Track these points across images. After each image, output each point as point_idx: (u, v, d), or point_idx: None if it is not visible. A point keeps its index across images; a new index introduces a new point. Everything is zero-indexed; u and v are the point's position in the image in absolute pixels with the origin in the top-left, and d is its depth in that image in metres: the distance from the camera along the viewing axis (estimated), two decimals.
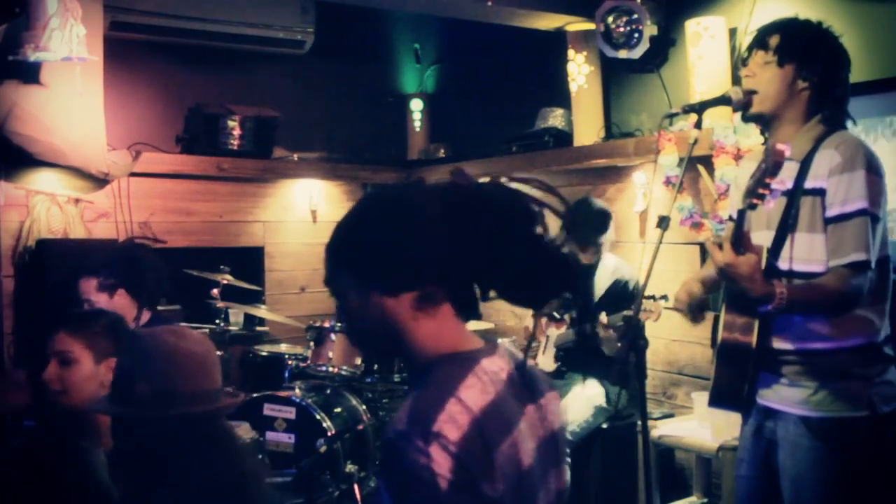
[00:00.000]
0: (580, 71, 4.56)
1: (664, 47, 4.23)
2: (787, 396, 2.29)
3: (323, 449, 3.69)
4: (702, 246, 3.90)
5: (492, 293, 1.37)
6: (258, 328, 4.90)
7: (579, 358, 4.11)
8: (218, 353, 1.99)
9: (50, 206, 4.18)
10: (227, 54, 5.22)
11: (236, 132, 4.91)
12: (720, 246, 2.16)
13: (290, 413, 4.01)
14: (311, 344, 4.22)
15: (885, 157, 2.42)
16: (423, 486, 1.20)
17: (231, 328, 4.45)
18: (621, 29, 4.11)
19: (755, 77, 2.36)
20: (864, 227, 2.16)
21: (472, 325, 5.15)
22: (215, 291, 4.35)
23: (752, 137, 3.52)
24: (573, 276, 1.35)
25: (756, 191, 2.12)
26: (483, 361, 1.35)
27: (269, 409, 3.95)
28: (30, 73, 3.80)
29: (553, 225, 1.33)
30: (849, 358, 2.22)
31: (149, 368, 1.73)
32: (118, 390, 1.80)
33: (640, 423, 2.70)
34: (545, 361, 4.23)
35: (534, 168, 4.87)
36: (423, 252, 1.33)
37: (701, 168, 3.89)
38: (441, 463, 1.20)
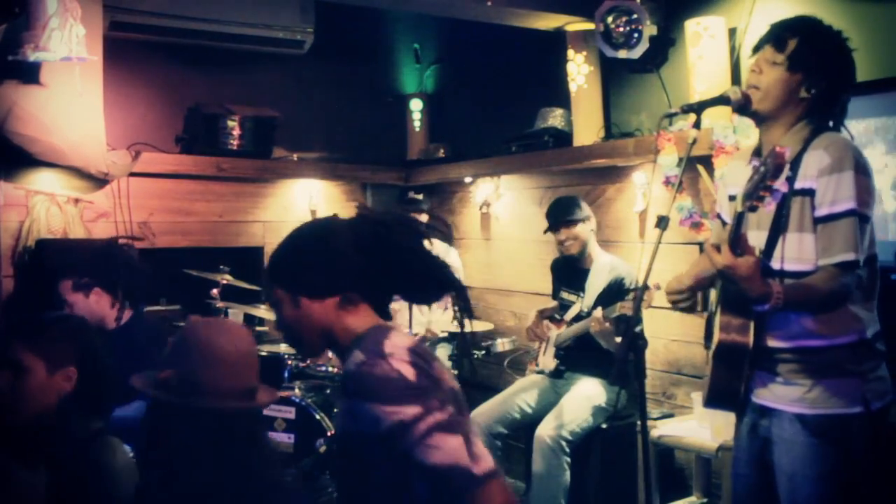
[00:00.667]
0: (580, 71, 4.55)
1: (664, 47, 4.22)
2: (781, 395, 2.32)
3: (323, 449, 3.69)
4: (701, 246, 3.90)
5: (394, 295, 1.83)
6: (258, 328, 4.90)
7: (579, 358, 4.11)
8: None
9: (50, 206, 4.18)
10: (227, 54, 5.22)
11: (236, 132, 4.91)
12: (718, 248, 2.17)
13: (289, 413, 4.01)
14: None
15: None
16: (398, 384, 1.62)
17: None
18: (621, 29, 4.10)
19: (760, 74, 2.37)
20: (852, 227, 2.19)
21: (473, 325, 5.11)
22: (215, 291, 4.36)
23: (752, 137, 3.51)
24: (451, 280, 1.80)
25: (757, 193, 2.12)
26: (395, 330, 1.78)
27: (268, 409, 3.95)
28: (29, 73, 3.80)
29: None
30: (842, 355, 2.26)
31: (179, 357, 1.75)
32: (153, 375, 1.79)
33: (639, 423, 2.71)
34: (545, 361, 4.23)
35: (533, 168, 4.88)
36: (341, 266, 1.76)
37: (700, 168, 3.90)
38: (404, 369, 1.64)
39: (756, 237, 2.32)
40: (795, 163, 2.29)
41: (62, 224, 4.20)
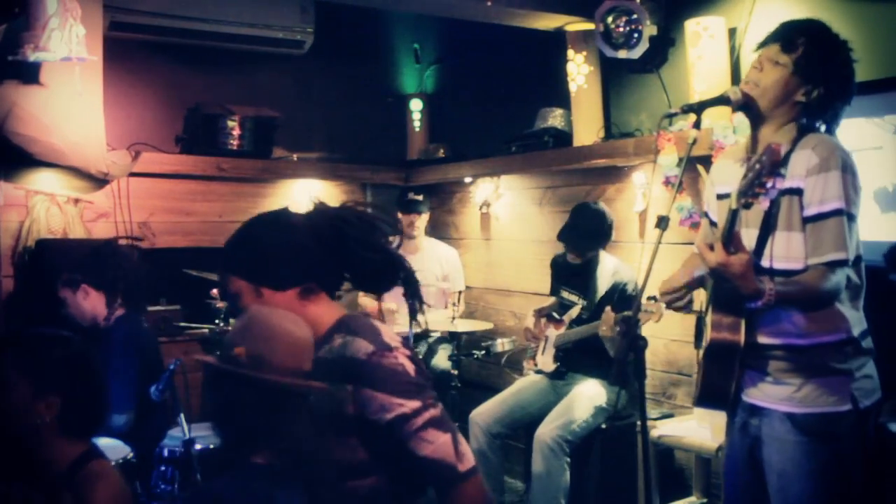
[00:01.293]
0: (580, 71, 4.55)
1: (664, 47, 4.23)
2: (771, 393, 2.35)
3: None
4: None
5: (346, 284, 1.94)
6: None
7: (579, 358, 4.11)
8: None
9: (49, 206, 4.18)
10: (227, 54, 5.22)
11: (236, 132, 4.91)
12: (711, 247, 2.19)
13: None
14: None
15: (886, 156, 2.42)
16: (403, 377, 1.76)
17: (231, 328, 4.45)
18: (621, 29, 4.10)
19: (762, 71, 2.37)
20: (840, 227, 2.22)
21: (473, 325, 5.12)
22: (215, 291, 4.35)
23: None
24: (404, 271, 1.92)
25: (753, 189, 2.14)
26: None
27: None
28: (29, 73, 3.81)
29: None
30: (830, 352, 2.28)
31: (246, 334, 1.77)
32: (222, 354, 1.81)
33: (639, 423, 2.71)
34: (545, 361, 4.22)
35: (533, 168, 4.87)
36: (304, 258, 1.86)
37: (700, 168, 3.88)
38: (406, 363, 1.78)
39: (746, 236, 2.33)
40: (783, 162, 2.30)
41: (62, 224, 4.20)
